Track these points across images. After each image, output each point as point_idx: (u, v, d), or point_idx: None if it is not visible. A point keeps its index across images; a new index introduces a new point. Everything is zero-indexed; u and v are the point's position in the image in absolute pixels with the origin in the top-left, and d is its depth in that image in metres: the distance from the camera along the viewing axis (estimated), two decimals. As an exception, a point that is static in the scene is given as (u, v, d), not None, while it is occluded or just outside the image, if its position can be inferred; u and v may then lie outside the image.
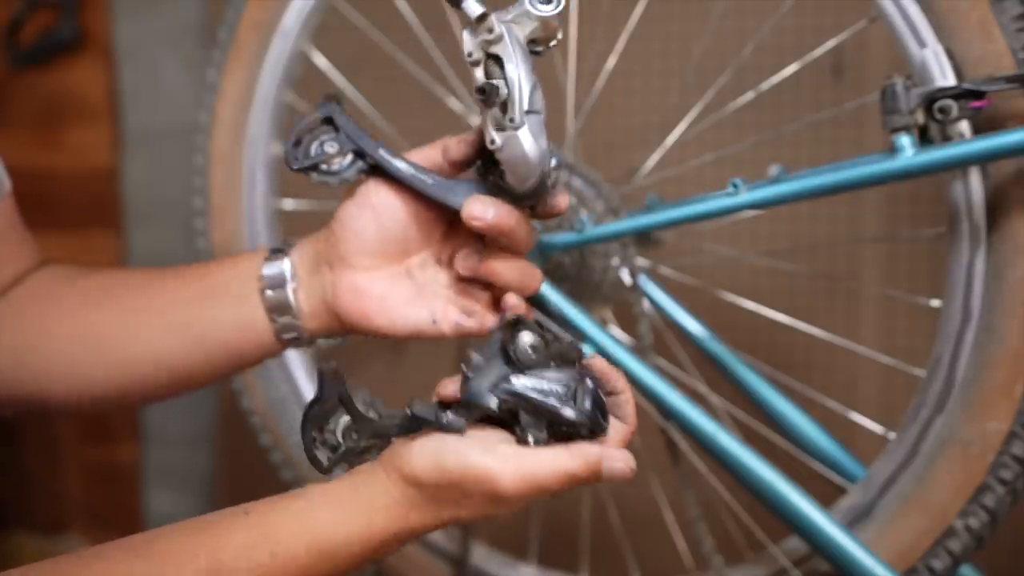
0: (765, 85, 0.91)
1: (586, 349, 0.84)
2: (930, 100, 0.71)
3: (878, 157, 0.73)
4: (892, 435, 0.79)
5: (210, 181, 1.07)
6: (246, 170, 1.05)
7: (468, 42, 0.63)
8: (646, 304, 0.91)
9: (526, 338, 0.61)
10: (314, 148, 0.71)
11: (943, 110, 0.71)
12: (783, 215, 1.19)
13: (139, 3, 1.65)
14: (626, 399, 0.65)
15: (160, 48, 1.65)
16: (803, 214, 1.20)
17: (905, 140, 0.72)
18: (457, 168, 0.72)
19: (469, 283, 0.72)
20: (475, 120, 1.01)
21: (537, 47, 0.65)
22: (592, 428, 0.60)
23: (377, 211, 0.71)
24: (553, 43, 0.65)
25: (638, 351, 0.88)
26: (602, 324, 0.87)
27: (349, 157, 0.71)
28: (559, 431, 0.60)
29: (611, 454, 0.61)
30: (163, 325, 0.76)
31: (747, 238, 1.22)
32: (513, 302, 0.68)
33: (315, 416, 0.62)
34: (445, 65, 1.02)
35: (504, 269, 0.69)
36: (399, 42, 1.06)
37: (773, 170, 0.79)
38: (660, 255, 0.95)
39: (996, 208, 0.72)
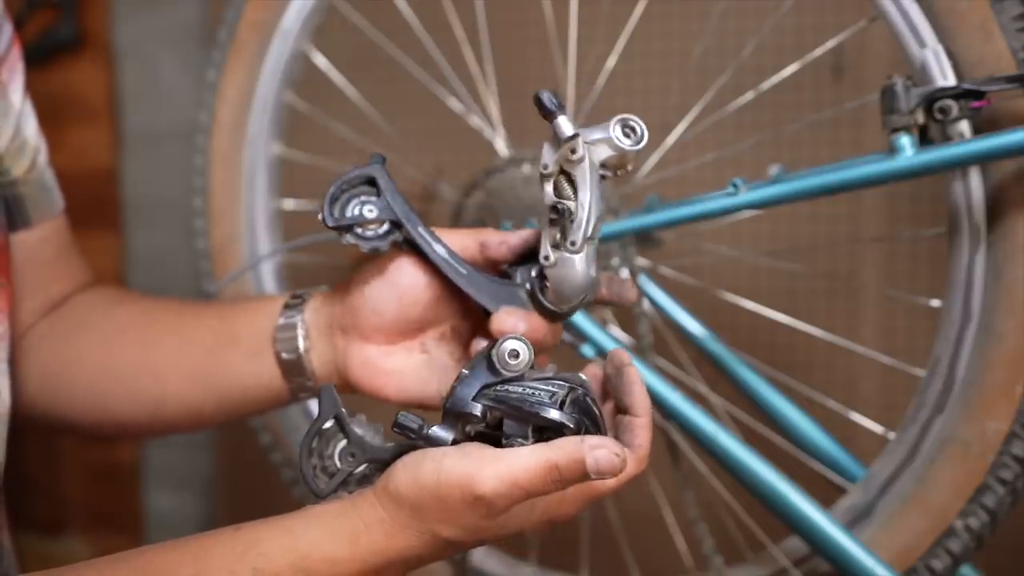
0: (765, 85, 0.91)
1: (586, 350, 0.84)
2: (930, 100, 0.71)
3: (878, 157, 0.73)
4: (892, 435, 0.79)
5: (210, 181, 1.07)
6: (246, 170, 1.05)
7: (547, 154, 0.63)
8: (646, 304, 0.91)
9: (508, 344, 0.59)
10: (352, 208, 0.68)
11: (943, 110, 0.71)
12: (783, 215, 1.19)
13: (139, 3, 1.65)
14: (641, 423, 0.61)
15: (160, 48, 1.65)
16: (803, 214, 1.20)
17: (905, 140, 0.72)
18: (491, 265, 0.71)
19: None
20: (475, 121, 1.01)
21: (606, 171, 0.65)
22: (579, 433, 0.57)
23: (402, 291, 0.69)
24: (622, 172, 0.65)
25: (638, 351, 0.88)
26: (602, 324, 0.87)
27: (386, 226, 0.68)
28: (546, 438, 0.58)
29: (592, 442, 0.56)
30: (183, 368, 0.76)
31: (747, 238, 1.22)
32: None
33: (316, 442, 0.61)
34: (445, 65, 1.02)
35: None
36: (399, 42, 1.06)
37: (773, 170, 0.79)
38: (660, 255, 0.95)
39: (996, 208, 0.72)
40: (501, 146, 0.99)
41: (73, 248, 0.84)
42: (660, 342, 0.93)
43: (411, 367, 0.71)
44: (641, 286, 0.91)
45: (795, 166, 0.79)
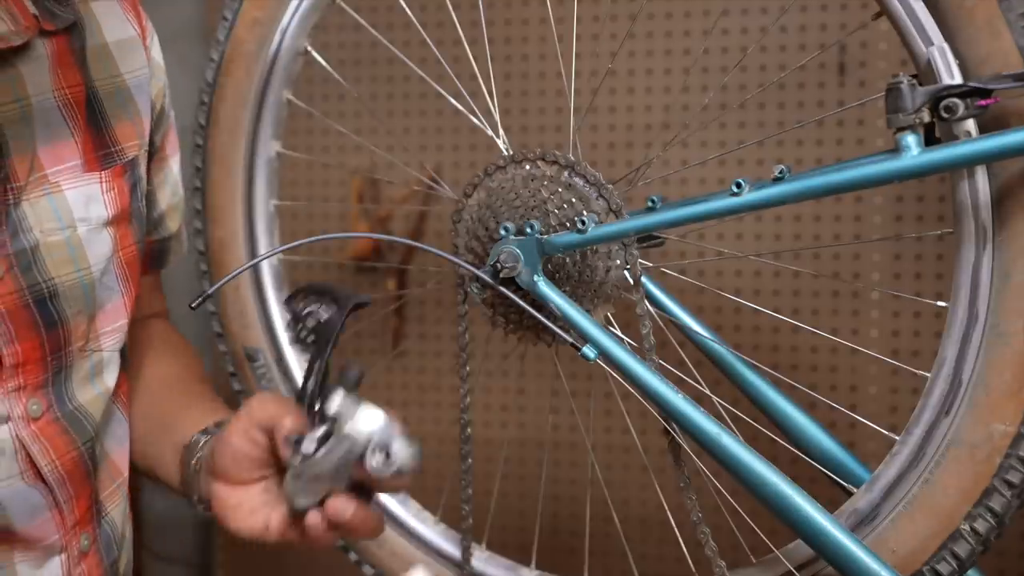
0: (768, 84, 0.90)
1: (589, 352, 0.84)
2: (936, 99, 0.71)
3: (883, 156, 0.73)
4: (897, 438, 0.79)
5: (208, 181, 1.07)
6: (245, 170, 1.05)
7: (336, 400, 0.72)
8: (648, 305, 0.91)
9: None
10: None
11: (949, 109, 0.70)
12: (787, 215, 1.18)
13: (138, 3, 1.65)
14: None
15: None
16: (808, 214, 1.19)
17: (910, 139, 0.71)
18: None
19: None
20: (475, 121, 1.00)
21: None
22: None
23: (251, 443, 0.79)
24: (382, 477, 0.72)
25: (640, 352, 0.87)
26: (604, 325, 0.87)
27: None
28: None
29: None
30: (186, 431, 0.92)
31: (751, 239, 1.22)
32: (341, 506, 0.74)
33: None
34: (445, 65, 1.01)
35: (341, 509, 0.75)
36: (399, 42, 1.05)
37: (777, 169, 0.78)
38: (662, 255, 0.94)
39: (1003, 208, 0.72)
40: (501, 146, 0.98)
41: (161, 281, 1.05)
42: (662, 343, 0.92)
43: (248, 503, 0.81)
44: (643, 286, 0.90)
45: (799, 165, 0.78)
